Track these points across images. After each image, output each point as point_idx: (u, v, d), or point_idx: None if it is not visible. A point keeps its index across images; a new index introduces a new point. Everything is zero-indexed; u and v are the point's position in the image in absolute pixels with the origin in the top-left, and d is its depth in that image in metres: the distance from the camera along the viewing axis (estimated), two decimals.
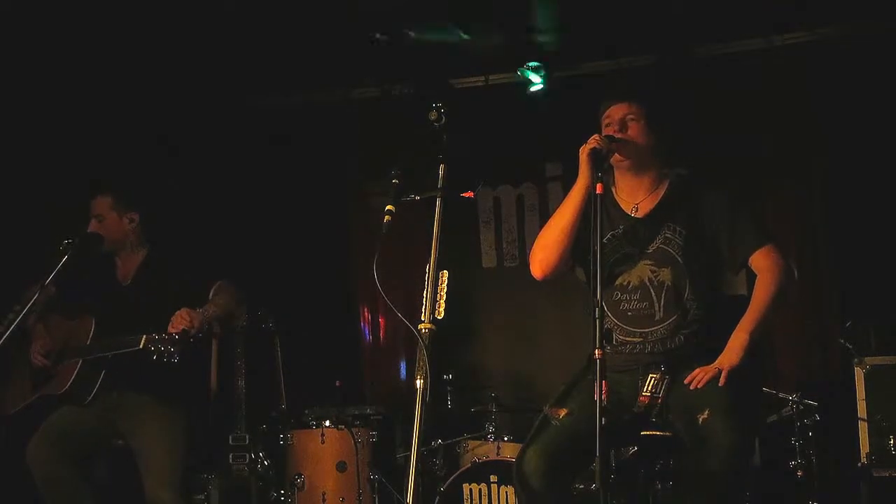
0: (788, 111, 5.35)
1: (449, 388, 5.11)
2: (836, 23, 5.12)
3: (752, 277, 3.04)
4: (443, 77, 5.73)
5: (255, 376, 4.76)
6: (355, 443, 4.71)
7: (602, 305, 2.67)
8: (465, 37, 5.16)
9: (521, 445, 2.95)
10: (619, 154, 3.01)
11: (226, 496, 4.57)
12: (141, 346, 3.56)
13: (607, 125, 3.08)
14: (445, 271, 2.56)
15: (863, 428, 4.36)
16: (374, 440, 4.84)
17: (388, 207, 2.65)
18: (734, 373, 2.85)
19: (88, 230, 3.93)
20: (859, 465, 4.35)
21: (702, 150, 4.97)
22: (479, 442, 4.83)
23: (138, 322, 3.68)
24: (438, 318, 2.53)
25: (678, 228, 3.00)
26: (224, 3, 4.63)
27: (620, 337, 2.98)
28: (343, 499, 4.67)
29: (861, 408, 4.37)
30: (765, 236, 3.01)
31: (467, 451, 4.84)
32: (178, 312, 3.63)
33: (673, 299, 2.95)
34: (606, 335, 2.85)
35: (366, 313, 6.16)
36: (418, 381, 2.46)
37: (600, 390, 2.56)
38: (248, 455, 4.60)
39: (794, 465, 4.38)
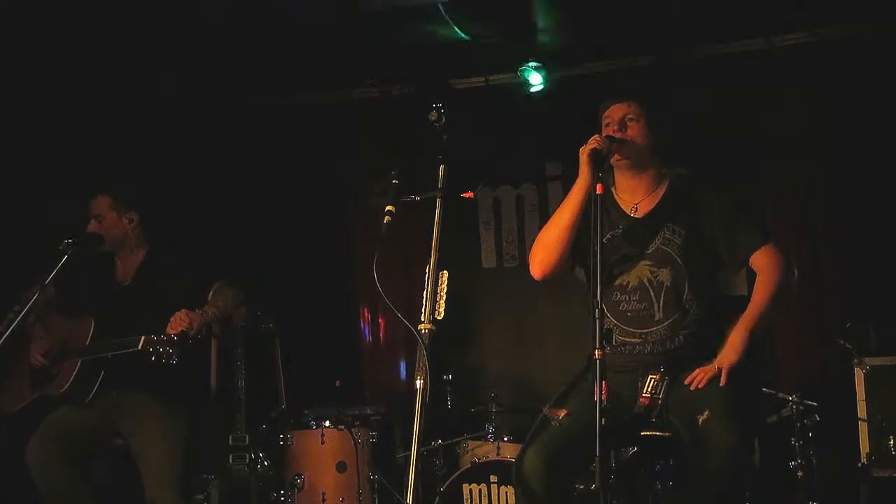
0: (788, 111, 5.35)
1: (449, 389, 5.11)
2: (836, 23, 5.12)
3: (752, 277, 3.04)
4: (443, 77, 5.73)
5: (255, 376, 4.76)
6: (355, 443, 4.71)
7: (602, 306, 2.66)
8: (466, 37, 5.16)
9: (520, 446, 2.95)
10: (619, 154, 3.01)
11: (226, 496, 4.57)
12: (140, 347, 3.56)
13: (607, 125, 3.08)
14: (445, 271, 2.56)
15: (863, 428, 4.36)
16: (373, 440, 4.84)
17: (388, 207, 2.65)
18: (734, 372, 2.85)
19: (88, 230, 3.93)
20: (859, 465, 4.35)
21: (701, 151, 4.96)
22: (478, 442, 4.83)
23: (138, 322, 3.68)
24: (438, 318, 2.53)
25: (677, 229, 3.00)
26: (224, 3, 4.63)
27: (620, 337, 2.98)
28: (343, 499, 4.67)
29: (861, 408, 4.37)
30: (764, 236, 3.01)
31: (467, 452, 4.84)
32: (176, 314, 3.64)
33: (672, 300, 2.95)
34: (606, 335, 2.84)
35: (366, 313, 6.16)
36: (418, 381, 2.46)
37: (600, 391, 2.56)
38: (248, 455, 4.59)
39: (794, 465, 4.38)
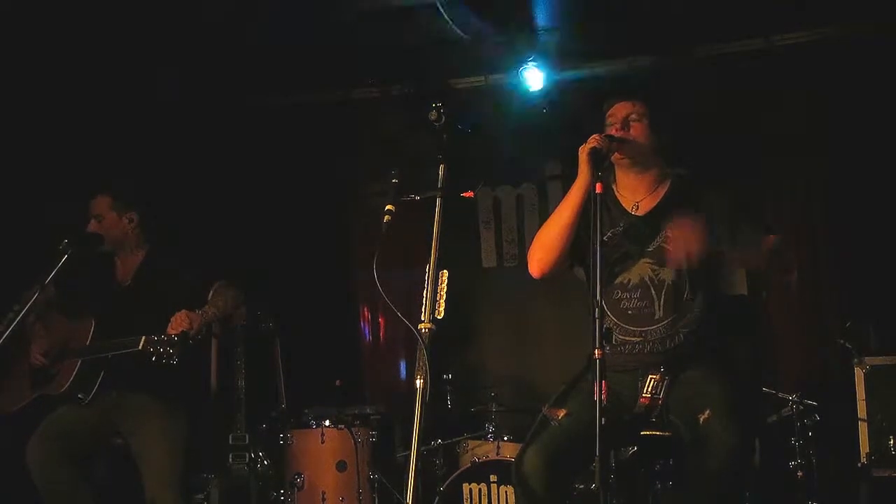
0: (788, 111, 5.35)
1: (449, 388, 5.12)
2: (836, 23, 5.12)
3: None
4: (443, 77, 5.73)
5: (255, 376, 4.76)
6: (355, 442, 4.71)
7: (602, 305, 2.66)
8: (466, 36, 5.16)
9: (520, 445, 2.95)
10: (621, 153, 3.01)
11: (226, 496, 4.57)
12: (140, 348, 3.56)
13: (611, 123, 3.07)
14: (445, 271, 2.57)
15: (863, 428, 4.36)
16: (373, 440, 4.84)
17: (388, 207, 2.66)
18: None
19: (88, 230, 3.93)
20: (859, 465, 4.35)
21: (701, 151, 4.96)
22: (478, 442, 4.83)
23: (138, 322, 3.69)
24: (438, 317, 2.53)
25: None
26: (224, 3, 4.63)
27: (620, 336, 2.98)
28: (343, 498, 4.67)
29: (861, 408, 4.37)
30: (766, 231, 3.01)
31: (467, 451, 4.84)
32: (177, 314, 3.64)
33: (673, 298, 2.95)
34: (606, 335, 2.84)
35: (366, 313, 6.16)
36: (418, 381, 2.46)
37: (600, 390, 2.56)
38: (248, 455, 4.60)
39: (794, 465, 4.38)
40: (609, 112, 3.10)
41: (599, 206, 2.77)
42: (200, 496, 4.53)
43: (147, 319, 3.68)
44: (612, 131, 3.03)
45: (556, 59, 5.48)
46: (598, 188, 2.80)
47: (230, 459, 4.59)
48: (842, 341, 4.52)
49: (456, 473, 4.63)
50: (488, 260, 6.09)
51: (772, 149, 5.37)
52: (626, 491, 3.99)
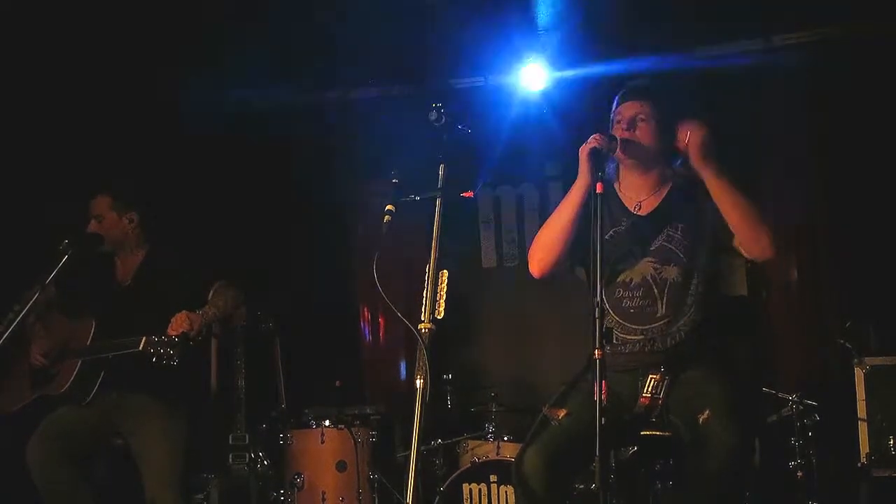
0: (788, 111, 5.35)
1: (449, 388, 5.12)
2: (836, 23, 5.12)
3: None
4: (443, 77, 5.73)
5: (255, 376, 4.76)
6: (355, 443, 4.71)
7: (602, 305, 2.66)
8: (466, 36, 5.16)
9: (520, 445, 2.95)
10: (625, 154, 3.01)
11: (226, 496, 4.57)
12: (140, 348, 3.56)
13: (617, 121, 3.07)
14: (445, 271, 2.57)
15: (863, 428, 4.36)
16: (373, 440, 4.84)
17: (388, 207, 2.66)
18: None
19: (88, 230, 3.93)
20: (859, 465, 4.35)
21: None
22: (478, 442, 4.83)
23: (138, 322, 3.69)
24: (438, 318, 2.54)
25: (681, 226, 3.00)
26: (225, 3, 4.63)
27: (621, 335, 2.98)
28: (343, 498, 4.67)
29: (861, 408, 4.37)
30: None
31: (467, 451, 4.84)
32: (177, 315, 3.64)
33: (675, 296, 2.95)
34: (606, 335, 2.84)
35: (366, 313, 6.16)
36: (418, 381, 2.47)
37: (600, 390, 2.56)
38: (248, 455, 4.60)
39: (794, 465, 4.38)
40: (617, 110, 3.09)
41: (601, 206, 2.76)
42: (200, 496, 4.53)
43: (147, 319, 3.68)
44: (618, 130, 3.03)
45: (556, 59, 5.48)
46: (599, 188, 2.79)
47: (230, 459, 4.59)
48: (842, 341, 4.52)
49: (456, 473, 4.63)
50: (488, 260, 6.09)
51: (772, 149, 5.37)
52: (626, 491, 3.99)
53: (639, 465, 3.87)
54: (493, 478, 4.52)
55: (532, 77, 5.52)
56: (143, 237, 4.04)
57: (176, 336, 3.57)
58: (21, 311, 3.65)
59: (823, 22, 5.14)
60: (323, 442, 4.75)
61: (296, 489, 4.70)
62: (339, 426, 4.76)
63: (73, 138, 4.99)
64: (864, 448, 4.34)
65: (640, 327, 2.96)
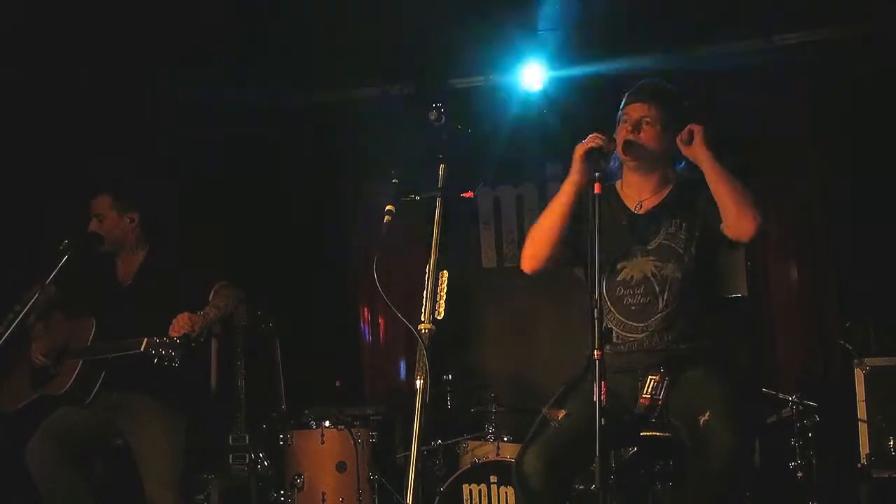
0: (788, 111, 5.35)
1: (449, 389, 5.11)
2: (836, 23, 5.12)
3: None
4: (443, 77, 5.73)
5: (255, 376, 4.76)
6: (355, 443, 4.71)
7: (601, 306, 2.66)
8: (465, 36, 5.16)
9: (520, 446, 2.95)
10: (628, 155, 3.02)
11: (226, 496, 4.57)
12: (142, 350, 3.56)
13: (623, 121, 3.07)
14: (445, 271, 2.56)
15: (863, 429, 4.36)
16: (373, 440, 4.84)
17: (388, 207, 2.65)
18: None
19: (89, 230, 3.93)
20: (859, 465, 4.35)
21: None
22: (478, 442, 4.83)
23: (139, 322, 3.68)
24: (438, 318, 2.53)
25: (682, 224, 3.00)
26: (225, 3, 4.63)
27: (622, 333, 2.98)
28: (343, 499, 4.67)
29: (861, 409, 4.37)
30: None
31: (467, 452, 4.84)
32: (178, 316, 3.64)
33: (675, 293, 2.95)
34: (606, 335, 2.84)
35: (366, 313, 6.16)
36: (418, 382, 2.46)
37: (599, 391, 2.56)
38: (248, 455, 4.59)
39: (794, 466, 4.38)
40: (624, 110, 3.09)
41: (601, 205, 2.76)
42: (200, 496, 4.53)
43: (148, 320, 3.68)
44: (623, 130, 3.03)
45: (556, 58, 5.48)
46: (597, 188, 2.80)
47: (230, 460, 4.59)
48: (842, 341, 4.52)
49: (456, 474, 4.62)
50: (488, 260, 6.09)
51: (772, 149, 5.36)
52: (626, 491, 3.99)
53: (639, 466, 3.87)
54: (493, 478, 4.51)
55: (532, 77, 5.51)
56: (144, 237, 4.03)
57: (177, 337, 3.57)
58: (21, 312, 3.65)
59: (823, 22, 5.14)
60: (323, 442, 4.75)
61: (296, 490, 4.70)
62: (339, 427, 4.76)
63: (73, 138, 4.99)
64: (864, 449, 4.35)
65: (642, 324, 2.97)
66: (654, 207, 3.07)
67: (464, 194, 2.72)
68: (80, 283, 3.93)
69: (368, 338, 6.15)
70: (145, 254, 4.01)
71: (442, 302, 2.53)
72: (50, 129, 4.91)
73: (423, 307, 2.53)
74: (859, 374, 4.38)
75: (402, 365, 6.06)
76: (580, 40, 5.36)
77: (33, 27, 4.50)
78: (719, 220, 2.91)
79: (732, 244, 2.98)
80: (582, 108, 5.27)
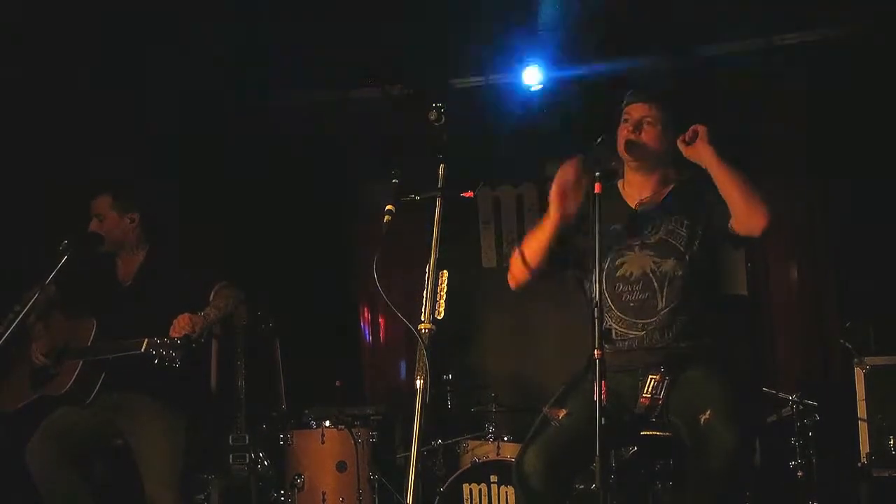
0: (788, 111, 5.35)
1: (449, 389, 5.12)
2: (836, 23, 5.12)
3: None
4: (443, 77, 5.73)
5: (255, 376, 4.76)
6: (355, 443, 4.71)
7: (601, 305, 2.67)
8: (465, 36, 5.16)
9: (520, 446, 2.96)
10: (629, 155, 3.03)
11: (226, 496, 4.57)
12: (143, 350, 3.56)
13: (625, 120, 3.08)
14: (445, 271, 2.56)
15: (863, 428, 4.36)
16: (374, 440, 4.84)
17: (388, 207, 2.66)
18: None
19: (89, 230, 3.93)
20: (859, 465, 4.35)
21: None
22: (478, 442, 4.83)
23: (139, 322, 3.68)
24: (438, 318, 2.53)
25: (683, 220, 3.01)
26: (225, 3, 4.63)
27: (622, 330, 2.98)
28: (343, 499, 4.67)
29: (861, 408, 4.37)
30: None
31: (467, 452, 4.84)
32: (179, 317, 3.64)
33: (675, 290, 2.96)
34: (605, 335, 2.85)
35: (366, 313, 6.16)
36: (418, 382, 2.46)
37: (600, 390, 2.56)
38: (248, 455, 4.60)
39: (794, 465, 4.38)
40: (626, 109, 3.10)
41: (601, 203, 2.77)
42: (200, 496, 4.53)
43: (148, 320, 3.68)
44: (624, 130, 3.05)
45: (556, 58, 5.48)
46: (597, 188, 2.80)
47: (230, 460, 4.59)
48: (842, 341, 4.52)
49: (456, 474, 4.62)
50: (488, 260, 6.09)
51: (772, 149, 5.36)
52: (627, 491, 3.99)
53: (639, 465, 3.87)
54: (493, 478, 4.51)
55: (532, 77, 5.51)
56: (144, 237, 4.03)
57: (178, 338, 3.57)
58: (21, 312, 3.65)
59: (823, 22, 5.14)
60: (323, 442, 4.75)
61: (296, 490, 4.70)
62: (340, 426, 4.76)
63: (73, 138, 4.99)
64: (864, 448, 4.35)
65: (641, 321, 2.97)
66: (654, 205, 3.09)
67: (464, 194, 2.72)
68: (80, 283, 3.93)
69: (368, 338, 6.15)
70: (145, 254, 4.01)
71: (442, 302, 2.53)
72: (50, 129, 4.91)
73: (423, 307, 2.53)
74: (859, 374, 4.38)
75: (402, 365, 6.06)
76: (580, 40, 5.36)
77: (33, 27, 4.49)
78: (727, 218, 2.91)
79: (738, 242, 2.99)
80: (582, 108, 5.27)
